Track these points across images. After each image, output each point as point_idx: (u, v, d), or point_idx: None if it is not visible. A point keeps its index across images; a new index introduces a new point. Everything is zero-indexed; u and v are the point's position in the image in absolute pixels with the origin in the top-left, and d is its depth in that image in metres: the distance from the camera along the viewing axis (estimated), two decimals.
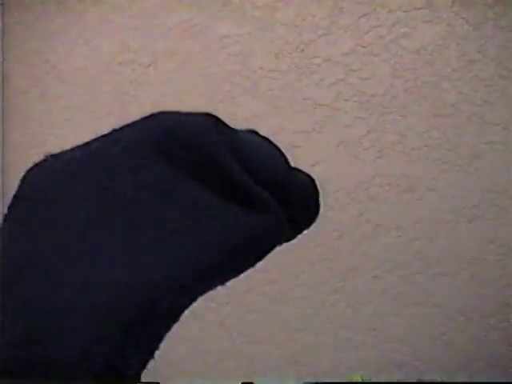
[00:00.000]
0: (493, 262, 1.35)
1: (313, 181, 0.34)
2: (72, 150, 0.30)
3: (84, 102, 1.53)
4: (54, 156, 0.30)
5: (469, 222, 1.36)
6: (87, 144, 0.30)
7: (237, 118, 1.43)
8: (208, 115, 0.29)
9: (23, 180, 0.30)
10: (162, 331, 0.25)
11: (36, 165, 0.31)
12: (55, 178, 0.29)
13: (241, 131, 0.32)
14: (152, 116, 0.29)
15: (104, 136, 0.30)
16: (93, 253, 0.25)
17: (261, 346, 1.43)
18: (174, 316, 0.26)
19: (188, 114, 0.30)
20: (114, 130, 0.30)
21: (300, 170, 0.34)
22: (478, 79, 1.34)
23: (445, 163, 1.36)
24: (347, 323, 1.42)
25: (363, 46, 1.39)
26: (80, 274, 0.25)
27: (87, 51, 1.52)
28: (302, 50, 1.41)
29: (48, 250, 0.26)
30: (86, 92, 1.53)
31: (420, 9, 1.36)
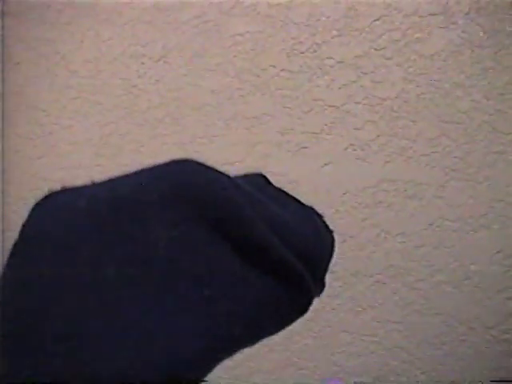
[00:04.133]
0: (498, 273, 1.29)
1: (333, 242, 0.33)
2: (93, 186, 0.27)
3: (92, 94, 1.47)
4: (73, 190, 0.26)
5: (475, 232, 1.29)
6: (111, 182, 0.27)
7: (246, 115, 1.37)
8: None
9: (37, 215, 0.25)
10: None
11: (50, 197, 0.26)
12: (79, 217, 0.24)
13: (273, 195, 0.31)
14: (184, 167, 0.27)
15: (129, 177, 0.27)
16: (122, 317, 0.23)
17: (258, 348, 1.36)
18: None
19: (222, 175, 0.28)
20: (140, 172, 0.27)
21: (326, 227, 0.33)
22: (492, 87, 1.28)
23: (453, 171, 1.30)
24: (348, 328, 1.36)
25: (376, 49, 1.33)
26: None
27: (98, 43, 1.46)
28: (315, 51, 1.35)
29: (73, 303, 0.23)
30: (95, 84, 1.47)
31: (435, 14, 1.30)
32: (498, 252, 1.29)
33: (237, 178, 0.32)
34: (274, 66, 1.36)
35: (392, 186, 1.31)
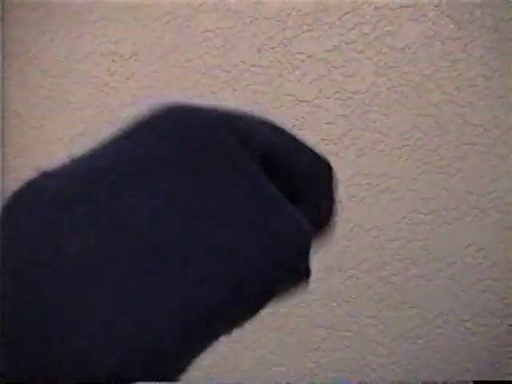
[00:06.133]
0: (471, 265, 1.27)
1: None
2: (72, 163, 0.25)
3: (64, 93, 1.43)
4: (47, 175, 0.24)
5: (448, 224, 1.27)
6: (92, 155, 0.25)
7: None
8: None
9: (12, 211, 0.22)
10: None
11: (26, 188, 0.23)
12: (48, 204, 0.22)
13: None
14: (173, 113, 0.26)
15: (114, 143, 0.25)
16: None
17: (233, 345, 1.34)
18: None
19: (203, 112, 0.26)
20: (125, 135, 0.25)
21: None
22: (462, 79, 1.25)
23: (425, 164, 1.27)
24: (322, 323, 1.33)
25: (347, 43, 1.30)
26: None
27: (68, 42, 1.43)
28: (285, 46, 1.32)
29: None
30: (67, 83, 1.43)
31: (405, 7, 1.28)
32: (471, 244, 1.27)
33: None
34: (244, 62, 1.33)
35: (364, 179, 1.29)
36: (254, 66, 1.33)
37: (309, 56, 1.31)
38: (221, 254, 0.23)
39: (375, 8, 1.29)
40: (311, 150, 0.31)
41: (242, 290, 0.23)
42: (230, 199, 0.24)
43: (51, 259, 0.20)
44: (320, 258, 1.30)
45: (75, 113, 1.42)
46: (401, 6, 1.28)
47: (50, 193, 0.22)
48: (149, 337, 0.20)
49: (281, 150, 0.27)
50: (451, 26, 1.26)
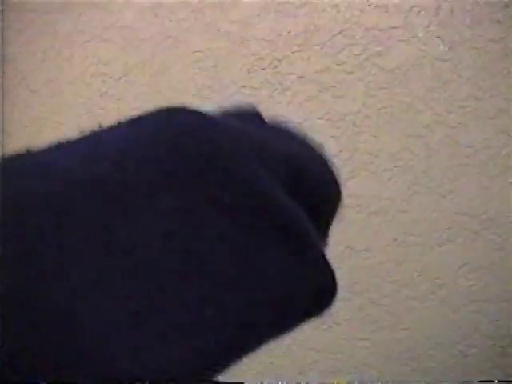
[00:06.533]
0: (463, 287, 1.26)
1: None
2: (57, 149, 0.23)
3: (53, 114, 1.42)
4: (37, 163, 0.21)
5: (439, 246, 1.26)
6: (87, 147, 0.22)
7: None
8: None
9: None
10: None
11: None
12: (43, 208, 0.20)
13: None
14: (175, 123, 0.23)
15: (110, 140, 0.23)
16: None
17: None
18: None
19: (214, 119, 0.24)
20: (122, 132, 0.23)
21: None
22: (453, 100, 1.25)
23: (416, 185, 1.26)
24: (314, 346, 1.32)
25: (337, 64, 1.30)
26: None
27: (59, 62, 1.42)
28: (276, 67, 1.32)
29: None
30: (56, 103, 1.42)
31: (396, 28, 1.27)
32: (463, 266, 1.26)
33: (233, 116, 0.28)
34: (234, 83, 1.33)
35: (355, 201, 1.28)
36: (244, 86, 1.32)
37: (299, 77, 1.31)
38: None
39: (365, 29, 1.28)
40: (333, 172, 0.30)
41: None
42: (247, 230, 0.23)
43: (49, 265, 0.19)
44: None
45: (65, 134, 1.41)
46: (391, 27, 1.27)
47: (46, 196, 0.20)
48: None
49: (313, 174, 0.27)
50: (441, 47, 1.26)
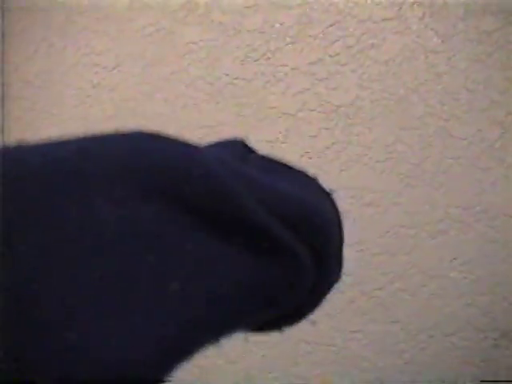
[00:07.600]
0: (455, 280, 1.25)
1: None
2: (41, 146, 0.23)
3: (46, 105, 1.41)
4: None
5: (432, 238, 1.25)
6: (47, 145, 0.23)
7: (200, 124, 1.32)
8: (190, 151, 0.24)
9: None
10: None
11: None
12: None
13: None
14: (136, 139, 0.23)
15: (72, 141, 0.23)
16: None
17: (215, 359, 1.32)
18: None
19: (177, 144, 0.24)
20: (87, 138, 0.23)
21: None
22: (446, 92, 1.24)
23: (409, 177, 1.26)
24: (306, 338, 1.31)
25: (331, 56, 1.28)
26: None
27: (51, 53, 1.41)
28: (269, 58, 1.30)
29: None
30: (49, 94, 1.41)
31: (389, 20, 1.26)
32: (456, 258, 1.25)
33: (211, 146, 0.28)
34: (227, 74, 1.31)
35: (348, 193, 1.27)
36: (237, 78, 1.31)
37: (292, 68, 1.29)
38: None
39: (359, 21, 1.27)
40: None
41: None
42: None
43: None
44: None
45: (58, 125, 1.40)
46: (384, 19, 1.26)
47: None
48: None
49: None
50: (435, 39, 1.25)
